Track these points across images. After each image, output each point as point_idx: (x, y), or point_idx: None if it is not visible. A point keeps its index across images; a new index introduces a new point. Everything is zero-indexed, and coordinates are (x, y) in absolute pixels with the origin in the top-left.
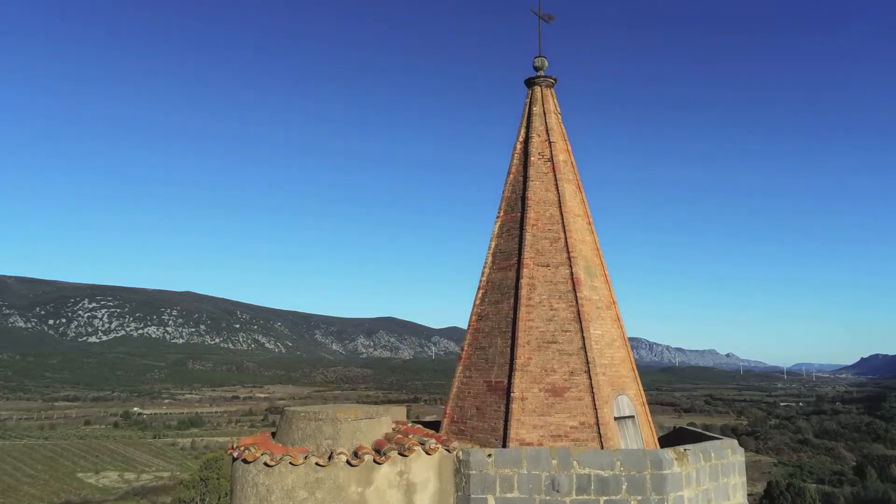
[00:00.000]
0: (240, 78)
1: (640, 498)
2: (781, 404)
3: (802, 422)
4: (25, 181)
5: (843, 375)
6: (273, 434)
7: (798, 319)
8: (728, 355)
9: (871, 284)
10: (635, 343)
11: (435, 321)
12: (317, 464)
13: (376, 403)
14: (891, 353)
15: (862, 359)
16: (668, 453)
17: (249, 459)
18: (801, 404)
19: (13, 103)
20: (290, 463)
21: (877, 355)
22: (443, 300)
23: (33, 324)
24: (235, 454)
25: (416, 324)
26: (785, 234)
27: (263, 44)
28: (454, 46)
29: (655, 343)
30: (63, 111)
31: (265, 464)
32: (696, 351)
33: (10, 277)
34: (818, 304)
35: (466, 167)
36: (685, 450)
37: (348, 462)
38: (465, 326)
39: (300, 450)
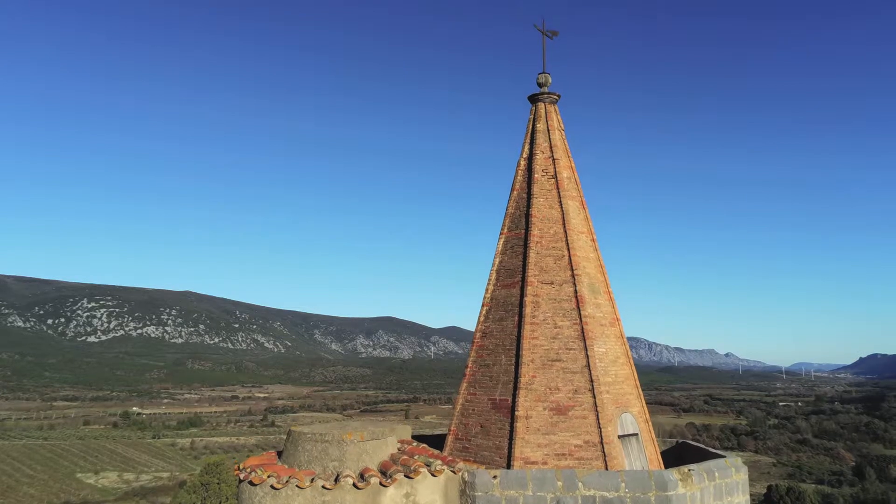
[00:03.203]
0: (239, 77)
1: None
2: (780, 404)
3: (801, 422)
4: (24, 180)
5: (842, 375)
6: (279, 454)
7: (797, 319)
8: (727, 355)
9: (871, 284)
10: (634, 343)
11: (434, 321)
12: (323, 487)
13: (375, 403)
14: (890, 352)
15: (861, 358)
16: (673, 474)
17: (256, 482)
18: (800, 404)
19: (11, 102)
20: (297, 486)
21: (875, 355)
22: (442, 300)
23: (32, 323)
24: (242, 476)
25: (415, 323)
26: (784, 233)
27: (264, 44)
28: (463, 59)
29: (654, 343)
30: (62, 110)
31: (272, 486)
32: (696, 350)
33: (8, 277)
34: (817, 303)
35: (467, 166)
36: (689, 470)
37: (354, 485)
38: (464, 326)
39: (307, 472)
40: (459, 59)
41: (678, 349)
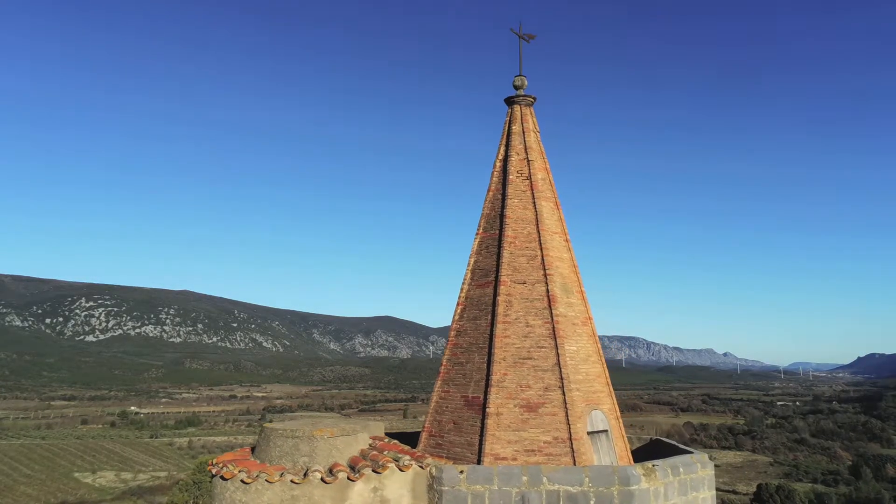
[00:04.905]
0: (238, 76)
1: None
2: (778, 403)
3: (799, 421)
4: (22, 179)
5: (840, 375)
6: (252, 450)
7: (795, 319)
8: (725, 354)
9: (869, 284)
10: (633, 342)
11: (433, 320)
12: (292, 481)
13: (374, 403)
14: (888, 352)
15: (859, 358)
16: (636, 469)
17: (227, 477)
18: (797, 403)
19: (11, 102)
20: (267, 480)
21: (873, 354)
22: (441, 300)
23: (30, 323)
24: (214, 471)
25: (413, 323)
26: (783, 233)
27: (262, 44)
28: (462, 63)
29: (653, 342)
30: (60, 109)
31: (242, 481)
32: (694, 350)
33: (6, 276)
34: (816, 303)
35: (468, 164)
36: (653, 465)
37: (323, 479)
38: None
39: (277, 467)
40: (458, 63)
41: (676, 349)
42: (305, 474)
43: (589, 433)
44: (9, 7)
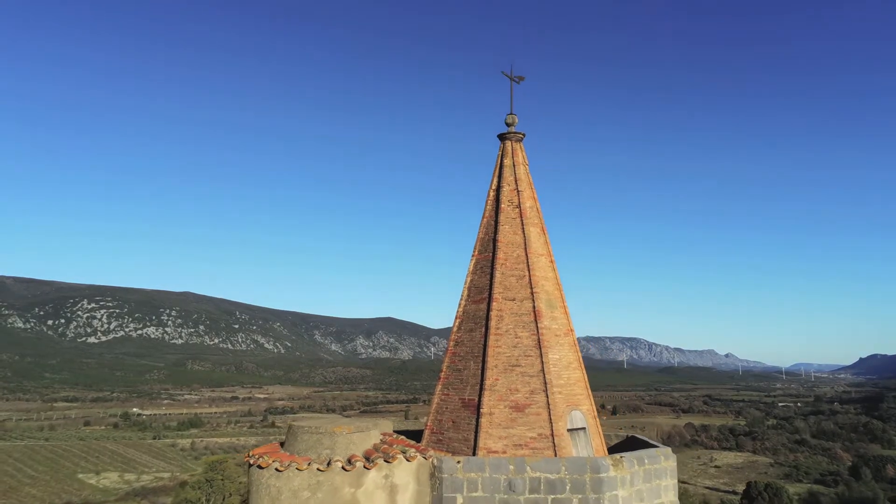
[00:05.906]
0: (236, 76)
1: (580, 496)
2: (780, 405)
3: (800, 422)
4: (24, 181)
5: (842, 375)
6: (281, 444)
7: (797, 319)
8: (727, 355)
9: (871, 284)
10: (634, 343)
11: (434, 321)
12: (318, 469)
13: (375, 404)
14: (889, 353)
15: (861, 359)
16: (606, 460)
17: (263, 466)
18: (799, 405)
19: (11, 102)
20: (297, 468)
21: (875, 355)
22: (442, 301)
23: (32, 324)
24: (252, 461)
25: (415, 324)
26: (784, 233)
27: (268, 43)
28: (453, 62)
29: (654, 343)
30: (61, 110)
31: (276, 469)
32: (695, 351)
33: (8, 278)
34: (818, 304)
35: (468, 163)
36: (621, 457)
37: (343, 468)
38: None
39: (304, 458)
40: (461, 65)
41: (678, 350)
42: (329, 464)
43: (569, 430)
44: (9, 7)
